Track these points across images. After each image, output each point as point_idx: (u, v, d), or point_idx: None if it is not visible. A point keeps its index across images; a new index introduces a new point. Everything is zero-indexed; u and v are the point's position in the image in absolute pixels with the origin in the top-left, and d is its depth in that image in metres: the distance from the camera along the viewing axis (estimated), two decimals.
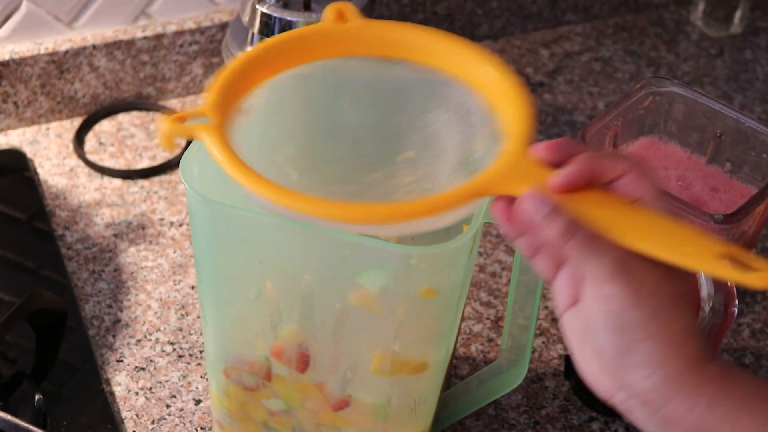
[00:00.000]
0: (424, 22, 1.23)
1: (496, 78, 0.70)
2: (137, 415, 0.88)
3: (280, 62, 0.74)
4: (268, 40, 0.74)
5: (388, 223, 0.63)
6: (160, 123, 0.67)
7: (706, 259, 0.61)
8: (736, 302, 0.83)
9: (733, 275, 0.60)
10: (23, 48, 1.09)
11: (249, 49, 1.02)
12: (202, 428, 0.88)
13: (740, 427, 0.60)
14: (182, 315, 0.96)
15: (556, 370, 0.93)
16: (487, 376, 0.84)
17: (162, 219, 1.04)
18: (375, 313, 0.71)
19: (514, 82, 0.69)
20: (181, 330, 0.95)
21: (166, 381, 0.91)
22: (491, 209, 0.64)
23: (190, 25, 1.13)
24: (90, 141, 1.12)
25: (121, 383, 0.90)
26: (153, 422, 0.88)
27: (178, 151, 1.11)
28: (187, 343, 0.94)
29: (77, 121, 1.13)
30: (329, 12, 0.73)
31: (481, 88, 0.71)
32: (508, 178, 0.64)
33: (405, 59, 0.73)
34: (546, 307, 0.98)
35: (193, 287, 0.98)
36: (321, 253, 0.69)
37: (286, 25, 0.97)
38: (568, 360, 0.91)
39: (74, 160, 1.09)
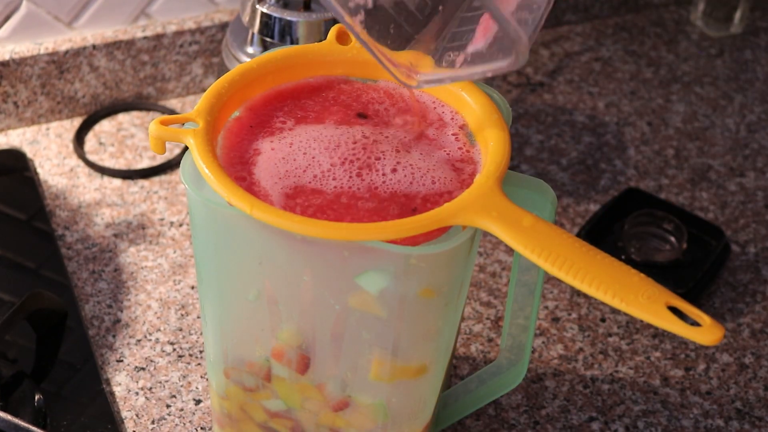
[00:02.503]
0: None
1: (479, 111, 0.73)
2: (137, 415, 0.88)
3: (279, 76, 0.76)
4: (268, 54, 0.76)
5: (350, 240, 0.66)
6: (150, 126, 0.69)
7: (655, 310, 0.63)
8: None
9: (679, 328, 0.63)
10: (23, 48, 1.09)
11: (249, 49, 1.02)
12: (202, 428, 0.88)
13: None
14: (182, 315, 0.96)
15: (556, 370, 0.93)
16: (487, 376, 0.84)
17: (162, 219, 1.04)
18: (375, 314, 0.71)
19: (496, 118, 0.72)
20: (181, 330, 0.95)
21: (166, 381, 0.91)
22: None
23: (190, 25, 1.13)
24: (90, 141, 1.12)
25: (121, 383, 0.90)
26: (153, 422, 0.88)
27: (177, 151, 1.11)
28: (187, 343, 0.94)
29: (77, 121, 1.13)
30: (332, 32, 0.77)
31: (466, 117, 0.75)
32: (472, 209, 0.66)
33: (396, 82, 0.77)
34: (546, 307, 0.98)
35: (193, 287, 0.98)
36: (320, 254, 0.69)
37: (286, 25, 0.97)
38: None
39: (74, 160, 1.09)
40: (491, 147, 0.70)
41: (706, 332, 0.63)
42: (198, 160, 0.68)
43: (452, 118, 0.75)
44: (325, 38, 0.78)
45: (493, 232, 0.66)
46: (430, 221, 0.66)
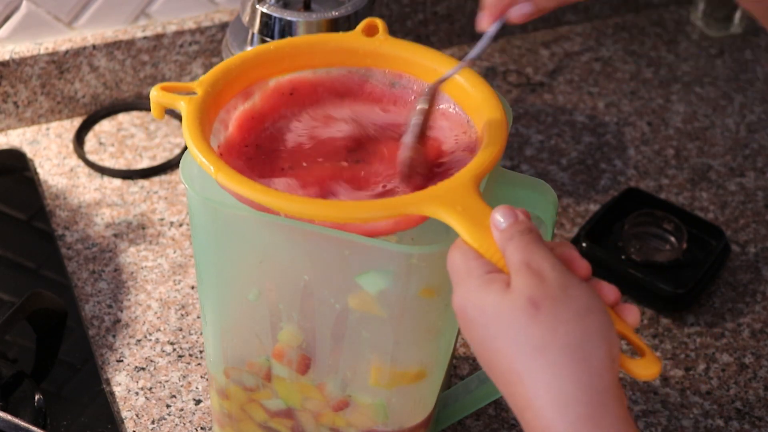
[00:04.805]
0: (424, 22, 1.23)
1: (487, 111, 0.72)
2: (137, 415, 0.88)
3: (297, 61, 0.75)
4: (290, 39, 0.75)
5: (329, 220, 0.64)
6: (151, 91, 0.70)
7: None
8: None
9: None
10: (23, 48, 1.09)
11: (249, 49, 1.02)
12: (202, 428, 0.88)
13: None
14: (182, 315, 0.96)
15: None
16: (487, 376, 0.84)
17: (162, 219, 1.04)
18: (375, 314, 0.71)
19: (502, 119, 0.71)
20: (181, 330, 0.95)
21: (166, 381, 0.91)
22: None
23: (190, 25, 1.13)
24: (90, 141, 1.12)
25: (121, 383, 0.90)
26: (153, 422, 0.88)
27: (177, 151, 1.11)
28: (187, 343, 0.94)
29: (77, 121, 1.13)
30: (361, 24, 0.76)
31: (473, 115, 0.74)
32: (437, 201, 0.65)
33: (417, 77, 0.76)
34: None
35: (193, 287, 0.98)
36: (321, 253, 0.69)
37: (286, 25, 0.97)
38: None
39: (74, 160, 1.09)
40: (483, 143, 0.69)
41: (644, 365, 0.60)
42: (185, 126, 0.68)
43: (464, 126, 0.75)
44: None
45: (452, 226, 0.64)
46: (391, 207, 0.65)
